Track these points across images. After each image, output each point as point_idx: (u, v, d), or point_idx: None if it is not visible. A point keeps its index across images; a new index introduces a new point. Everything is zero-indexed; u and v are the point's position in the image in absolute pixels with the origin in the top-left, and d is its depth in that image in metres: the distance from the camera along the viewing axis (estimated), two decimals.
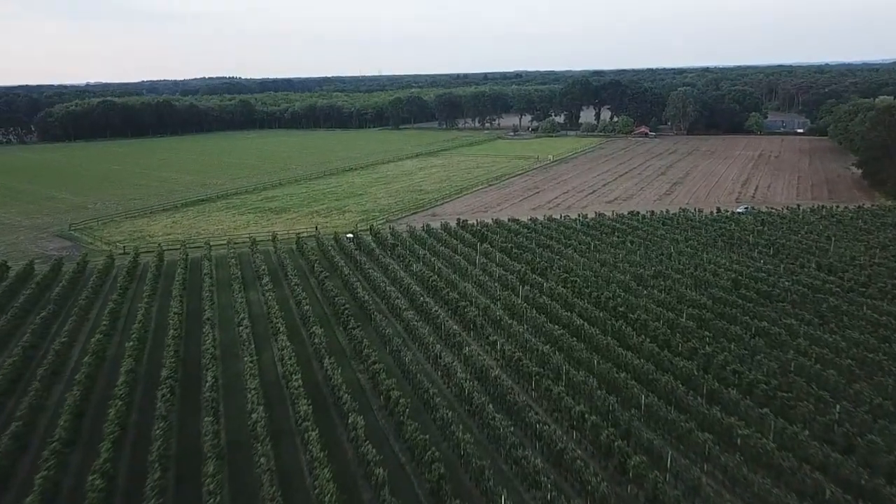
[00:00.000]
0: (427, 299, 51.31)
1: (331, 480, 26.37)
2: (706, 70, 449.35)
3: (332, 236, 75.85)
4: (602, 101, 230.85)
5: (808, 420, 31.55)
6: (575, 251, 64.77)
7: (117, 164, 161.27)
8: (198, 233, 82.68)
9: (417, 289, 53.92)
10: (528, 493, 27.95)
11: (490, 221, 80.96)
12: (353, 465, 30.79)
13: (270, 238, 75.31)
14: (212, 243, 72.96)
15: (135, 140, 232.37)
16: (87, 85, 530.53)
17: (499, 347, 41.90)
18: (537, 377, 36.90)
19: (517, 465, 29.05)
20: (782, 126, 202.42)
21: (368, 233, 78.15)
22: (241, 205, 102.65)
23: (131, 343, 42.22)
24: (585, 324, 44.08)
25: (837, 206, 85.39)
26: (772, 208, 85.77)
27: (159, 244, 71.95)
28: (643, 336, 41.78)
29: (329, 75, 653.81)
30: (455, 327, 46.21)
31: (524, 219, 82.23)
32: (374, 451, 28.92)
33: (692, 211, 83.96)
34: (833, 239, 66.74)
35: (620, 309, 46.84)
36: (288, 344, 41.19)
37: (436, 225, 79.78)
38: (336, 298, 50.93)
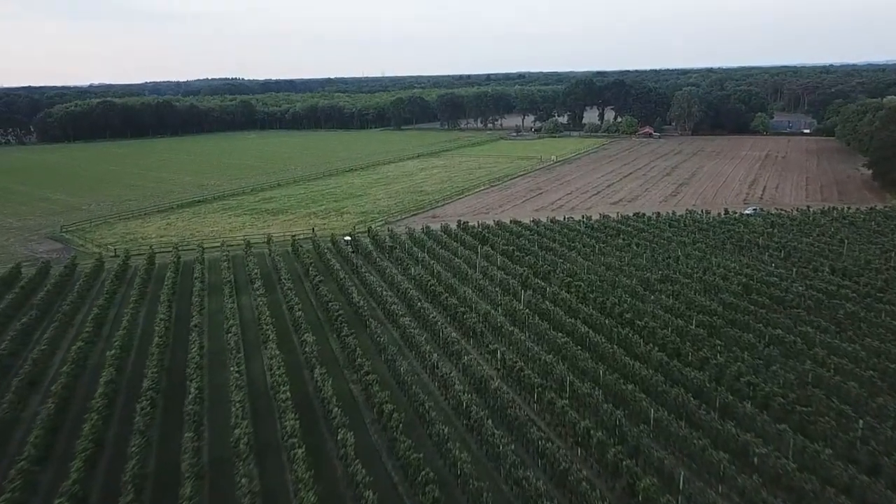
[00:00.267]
0: (425, 305, 49.28)
1: None
2: (710, 70, 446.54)
3: (329, 238, 73.86)
4: (606, 102, 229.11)
5: (830, 437, 29.50)
6: (579, 254, 62.68)
7: (115, 165, 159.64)
8: (192, 235, 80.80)
9: (415, 293, 51.90)
10: None
11: (491, 223, 78.81)
12: (341, 485, 28.78)
13: (265, 240, 73.30)
14: (205, 246, 71.06)
15: (134, 141, 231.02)
16: (90, 86, 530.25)
17: (499, 356, 39.85)
18: (540, 389, 34.87)
19: (518, 487, 27.04)
20: (788, 126, 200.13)
21: (366, 235, 76.13)
22: (238, 206, 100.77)
23: (113, 351, 40.24)
24: (590, 331, 42.08)
25: (848, 208, 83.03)
26: (781, 210, 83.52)
27: (150, 247, 69.94)
28: (651, 344, 39.72)
29: (331, 76, 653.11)
30: (454, 335, 44.06)
31: (526, 220, 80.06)
32: (363, 471, 26.94)
33: (699, 212, 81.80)
34: (846, 242, 64.54)
35: (627, 315, 44.75)
36: (277, 352, 39.25)
37: (436, 227, 77.73)
38: (330, 304, 48.90)
